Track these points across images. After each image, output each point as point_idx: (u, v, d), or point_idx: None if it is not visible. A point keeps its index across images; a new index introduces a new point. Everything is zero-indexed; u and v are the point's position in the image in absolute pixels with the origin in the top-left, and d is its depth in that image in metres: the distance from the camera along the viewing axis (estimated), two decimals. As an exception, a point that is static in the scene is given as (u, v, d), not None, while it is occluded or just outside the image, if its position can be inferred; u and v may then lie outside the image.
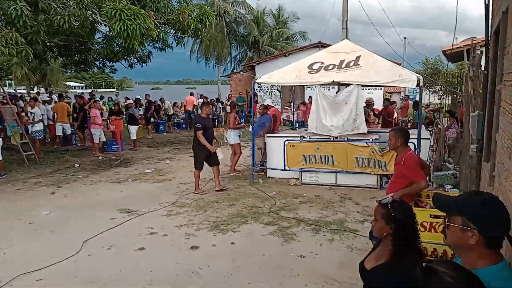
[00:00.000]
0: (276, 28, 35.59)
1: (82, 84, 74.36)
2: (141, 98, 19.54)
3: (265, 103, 11.24)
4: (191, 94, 21.34)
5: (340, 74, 8.45)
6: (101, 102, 19.13)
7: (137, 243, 5.59)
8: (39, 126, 12.46)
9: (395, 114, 13.96)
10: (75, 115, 14.74)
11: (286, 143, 8.78)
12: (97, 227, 6.22)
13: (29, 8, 8.80)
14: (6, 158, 11.58)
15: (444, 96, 22.35)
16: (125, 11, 8.99)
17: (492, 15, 4.87)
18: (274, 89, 22.39)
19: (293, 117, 13.96)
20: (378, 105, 15.78)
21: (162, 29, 12.28)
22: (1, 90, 14.51)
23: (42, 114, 13.13)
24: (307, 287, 4.36)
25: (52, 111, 13.64)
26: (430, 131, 9.75)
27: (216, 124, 20.75)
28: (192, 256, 5.18)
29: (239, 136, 10.14)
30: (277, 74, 9.16)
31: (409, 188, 4.17)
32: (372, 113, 12.28)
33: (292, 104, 13.85)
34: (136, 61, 15.78)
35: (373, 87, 17.76)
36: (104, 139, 13.15)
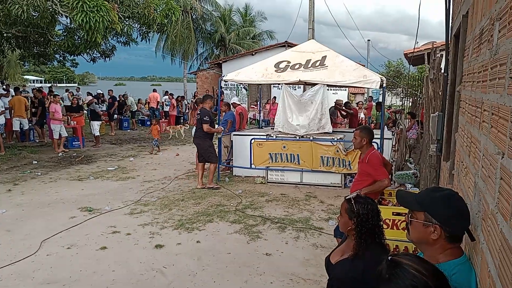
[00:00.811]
0: (243, 26, 35.61)
1: (41, 78, 71.65)
2: (103, 93, 19.00)
3: (232, 101, 11.23)
4: (154, 90, 20.97)
5: (306, 73, 8.53)
6: (63, 96, 18.43)
7: (98, 243, 5.43)
8: (1, 120, 11.79)
9: (362, 115, 14.25)
10: (33, 109, 14.15)
11: (253, 141, 8.79)
12: (56, 226, 6.00)
13: (-15, -3, 8.38)
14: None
15: (406, 98, 23.08)
16: (88, 2, 8.73)
17: (452, 19, 5.05)
18: (241, 87, 22.37)
19: (260, 116, 14.00)
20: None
21: (127, 23, 12.02)
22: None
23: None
24: (273, 285, 4.38)
25: (9, 105, 13.01)
26: (392, 131, 10.03)
27: (182, 121, 20.53)
28: (157, 255, 5.08)
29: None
30: (244, 72, 9.14)
31: (373, 186, 4.27)
32: (340, 114, 12.46)
33: (258, 102, 13.88)
34: (99, 55, 15.38)
35: (338, 88, 18.08)
36: (66, 135, 12.68)
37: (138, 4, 11.61)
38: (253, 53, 23.13)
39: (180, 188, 8.33)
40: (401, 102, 24.82)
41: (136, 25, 12.62)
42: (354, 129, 4.93)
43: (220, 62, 24.80)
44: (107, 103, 17.91)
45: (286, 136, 8.76)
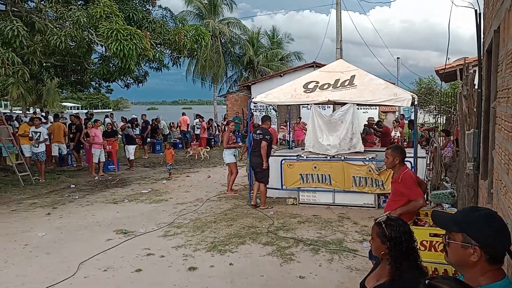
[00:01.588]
0: (271, 48, 36.05)
1: (78, 105, 74.48)
2: (137, 117, 19.57)
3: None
4: (184, 114, 21.43)
5: (335, 93, 8.53)
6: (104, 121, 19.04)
7: (134, 265, 5.51)
8: (43, 147, 12.20)
9: (397, 134, 13.99)
10: (71, 135, 14.69)
11: (283, 162, 8.78)
12: (93, 248, 6.14)
13: (26, 29, 8.85)
14: (2, 179, 11.52)
15: (439, 115, 22.57)
16: (122, 31, 9.07)
17: (483, 34, 4.97)
18: (270, 109, 22.51)
19: (289, 136, 14.00)
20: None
21: (158, 49, 12.39)
22: (-3, 111, 14.50)
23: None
24: (307, 308, 4.31)
25: (48, 131, 13.57)
26: (426, 150, 9.81)
27: (212, 143, 20.80)
28: (190, 277, 5.11)
29: (234, 155, 10.13)
30: (273, 94, 9.22)
31: (407, 206, 4.17)
32: (374, 132, 12.24)
33: (288, 123, 13.91)
34: (132, 81, 15.88)
35: (368, 106, 17.91)
36: (103, 160, 13.05)
37: (169, 31, 11.99)
38: (282, 75, 23.31)
39: (212, 210, 8.39)
40: (434, 120, 24.27)
41: (168, 51, 12.99)
42: (386, 148, 4.86)
43: (249, 84, 25.10)
44: (140, 127, 18.38)
45: (316, 156, 8.71)
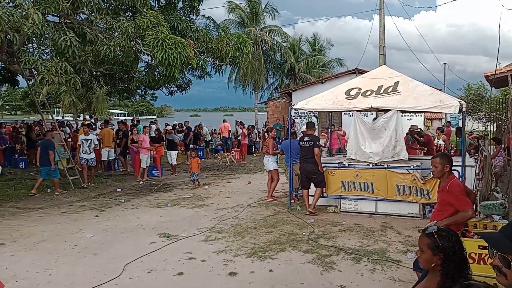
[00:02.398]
0: (313, 55, 35.93)
1: (124, 112, 77.21)
2: (181, 123, 20.07)
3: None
4: (224, 121, 21.74)
5: (378, 99, 8.37)
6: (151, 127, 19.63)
7: (176, 268, 5.63)
8: (93, 154, 12.56)
9: (437, 141, 13.51)
10: (118, 141, 15.25)
11: (324, 169, 8.70)
12: (137, 250, 6.33)
13: (78, 39, 9.32)
14: (53, 182, 12.10)
15: (489, 123, 21.58)
16: (167, 41, 9.36)
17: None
18: (311, 115, 22.38)
19: (331, 144, 13.83)
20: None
21: (201, 58, 12.66)
22: (50, 117, 15.32)
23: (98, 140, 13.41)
24: (348, 318, 4.23)
25: (99, 137, 14.17)
26: (475, 158, 9.41)
27: (253, 150, 20.94)
28: (231, 283, 5.15)
29: (276, 162, 10.15)
30: (314, 100, 9.17)
31: (455, 217, 4.02)
32: (417, 141, 11.85)
33: (329, 130, 13.78)
34: (176, 88, 16.31)
35: (413, 113, 17.42)
36: (148, 165, 13.42)
37: (211, 40, 12.25)
38: (323, 81, 23.14)
39: (253, 216, 8.43)
40: (483, 127, 23.24)
41: (210, 59, 13.26)
42: (431, 156, 4.71)
43: (290, 91, 25.08)
44: (183, 133, 18.80)
45: (358, 164, 8.57)
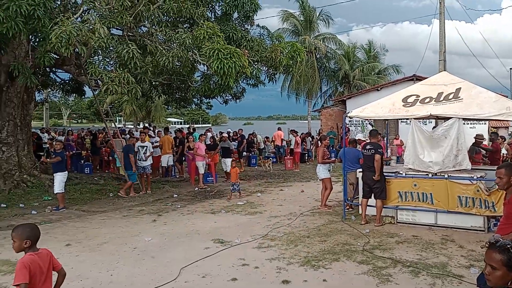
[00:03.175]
0: (368, 62, 35.23)
1: (180, 120, 79.69)
2: (235, 131, 20.42)
3: (357, 137, 11.06)
4: (279, 129, 21.80)
5: (438, 107, 8.04)
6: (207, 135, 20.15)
7: (230, 273, 5.71)
8: (150, 161, 12.79)
9: (503, 151, 12.71)
10: (174, 148, 15.76)
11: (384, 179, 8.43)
12: (193, 255, 6.49)
13: (139, 51, 9.80)
14: (115, 187, 12.75)
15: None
16: (222, 51, 9.60)
17: None
18: (366, 124, 21.90)
19: (387, 153, 13.44)
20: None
21: (256, 67, 12.85)
22: (113, 125, 16.17)
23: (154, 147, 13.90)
24: (406, 333, 4.07)
25: (159, 143, 14.74)
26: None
27: (306, 158, 20.79)
28: (284, 291, 5.14)
29: (329, 170, 10.02)
30: (369, 108, 8.99)
31: (524, 231, 3.76)
32: (482, 152, 11.16)
33: (385, 138, 13.40)
34: (231, 97, 16.65)
35: (476, 121, 16.53)
36: (203, 172, 13.72)
37: (266, 49, 12.40)
38: (379, 89, 22.61)
39: (306, 225, 8.36)
40: (557, 135, 21.54)
41: (264, 67, 13.42)
42: (496, 167, 4.43)
43: (344, 99, 24.75)
44: (237, 141, 19.08)
45: (417, 173, 8.25)
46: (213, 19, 12.59)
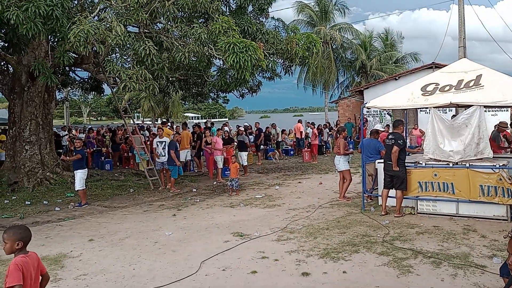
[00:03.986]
0: (385, 51, 34.70)
1: (198, 115, 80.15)
2: (250, 125, 20.44)
3: (375, 128, 10.94)
4: (299, 121, 21.74)
5: (458, 95, 7.89)
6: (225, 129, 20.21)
7: (249, 267, 5.75)
8: (167, 156, 12.62)
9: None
10: (193, 143, 15.88)
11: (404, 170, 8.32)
12: (212, 248, 6.56)
13: (155, 47, 9.88)
14: (135, 182, 12.94)
15: None
16: (238, 44, 9.58)
17: None
18: (384, 114, 21.63)
19: (406, 142, 13.25)
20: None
21: (271, 59, 12.79)
22: (131, 122, 16.38)
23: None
24: (428, 324, 4.05)
25: (178, 138, 14.84)
26: None
27: (324, 150, 20.67)
28: (303, 283, 5.16)
29: (348, 162, 9.96)
30: (388, 98, 8.88)
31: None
32: (504, 140, 10.90)
33: (404, 129, 13.22)
34: (247, 91, 16.64)
35: (498, 108, 16.16)
36: (221, 166, 13.79)
37: (281, 41, 12.32)
38: (397, 78, 22.27)
39: (325, 217, 8.35)
40: None
41: (280, 60, 13.35)
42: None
43: (362, 89, 24.45)
44: (254, 134, 19.10)
45: (437, 163, 8.13)
46: (228, 13, 12.57)
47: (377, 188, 9.26)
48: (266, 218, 8.46)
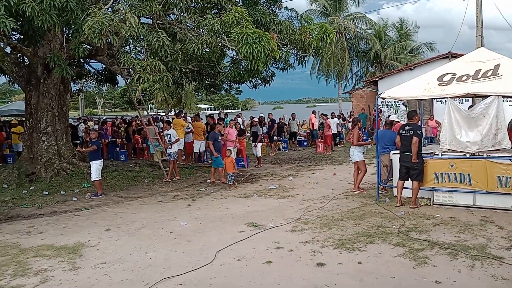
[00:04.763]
0: (400, 41, 34.20)
1: (210, 106, 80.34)
2: (264, 116, 20.41)
3: (390, 119, 10.82)
4: (313, 112, 21.66)
5: (475, 85, 7.75)
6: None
7: (264, 257, 5.78)
8: (175, 148, 12.83)
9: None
10: (206, 134, 15.94)
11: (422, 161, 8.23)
12: (227, 239, 6.60)
13: (169, 39, 9.88)
14: (150, 173, 13.05)
15: None
16: (251, 35, 9.53)
17: None
18: (399, 104, 21.39)
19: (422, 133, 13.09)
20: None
21: (285, 50, 12.70)
22: (145, 113, 16.48)
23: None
24: (445, 315, 4.03)
25: (191, 129, 14.94)
26: None
27: (338, 141, 20.57)
28: (318, 273, 5.16)
29: (363, 153, 9.89)
30: (403, 88, 8.77)
31: None
32: None
33: (420, 119, 13.05)
34: (260, 82, 16.59)
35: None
36: (234, 157, 13.83)
37: (294, 31, 12.21)
38: (412, 68, 21.97)
39: (339, 208, 8.33)
40: None
41: (293, 51, 13.25)
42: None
43: (376, 79, 24.20)
44: (267, 126, 19.08)
45: (453, 154, 8.03)
46: (241, 4, 12.49)
47: (392, 179, 9.18)
48: (280, 209, 8.48)
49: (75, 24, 8.83)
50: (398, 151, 8.61)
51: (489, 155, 7.63)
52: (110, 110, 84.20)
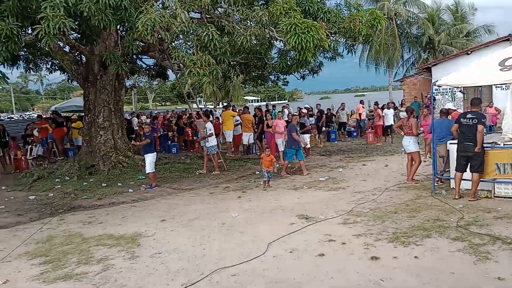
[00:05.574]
0: (454, 24, 32.47)
1: (257, 98, 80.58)
2: (312, 107, 20.18)
3: (446, 107, 10.36)
4: (361, 102, 21.11)
5: (542, 69, 7.23)
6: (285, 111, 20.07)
7: (317, 249, 5.75)
8: (213, 141, 12.61)
9: None
10: (254, 126, 16.02)
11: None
12: (279, 231, 6.62)
13: (218, 32, 9.98)
14: (200, 165, 13.32)
15: None
16: (299, 25, 9.41)
17: None
18: (456, 91, 20.40)
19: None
20: None
21: (333, 39, 12.46)
22: (195, 106, 16.80)
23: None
24: (510, 314, 3.83)
25: (240, 121, 15.10)
26: None
27: (388, 131, 19.96)
28: (372, 267, 5.08)
29: (418, 143, 9.55)
30: (460, 74, 8.36)
31: None
32: None
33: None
34: (308, 72, 16.41)
35: None
36: (283, 149, 13.78)
37: (343, 19, 11.92)
38: (469, 52, 20.85)
39: (392, 200, 8.11)
40: None
41: (342, 39, 12.96)
42: None
43: (429, 66, 23.19)
44: (315, 116, 18.86)
45: (517, 143, 7.56)
46: (288, -7, 12.36)
47: (449, 171, 8.80)
48: (331, 201, 8.39)
49: (129, 22, 9.14)
50: (455, 141, 8.23)
51: (558, 145, 7.12)
52: (160, 104, 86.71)
